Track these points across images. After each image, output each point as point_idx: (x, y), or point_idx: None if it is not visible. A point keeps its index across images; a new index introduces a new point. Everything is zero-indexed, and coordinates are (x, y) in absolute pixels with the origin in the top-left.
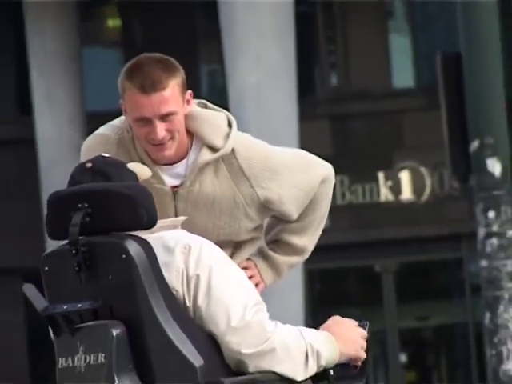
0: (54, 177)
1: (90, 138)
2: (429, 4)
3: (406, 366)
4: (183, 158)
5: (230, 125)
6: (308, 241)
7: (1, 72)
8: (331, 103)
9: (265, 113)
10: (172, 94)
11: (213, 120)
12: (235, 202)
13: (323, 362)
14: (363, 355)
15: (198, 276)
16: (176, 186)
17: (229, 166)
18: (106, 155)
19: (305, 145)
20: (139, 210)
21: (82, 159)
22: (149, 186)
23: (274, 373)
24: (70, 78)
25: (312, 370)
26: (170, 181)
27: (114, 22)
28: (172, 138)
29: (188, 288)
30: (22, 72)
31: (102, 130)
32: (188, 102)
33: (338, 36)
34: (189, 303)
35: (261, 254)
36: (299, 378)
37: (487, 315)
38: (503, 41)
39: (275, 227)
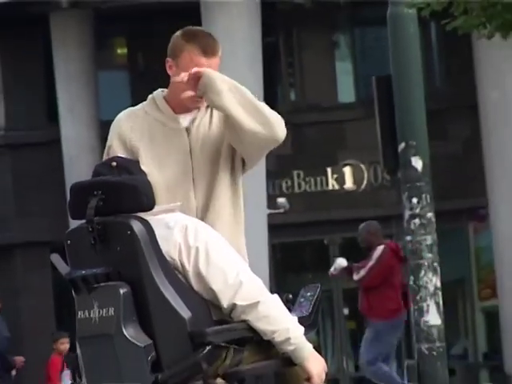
0: (75, 170)
1: (117, 116)
2: (366, 35)
3: (347, 317)
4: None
5: None
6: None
7: (33, 89)
8: (290, 114)
9: None
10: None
11: None
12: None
13: (293, 347)
14: (317, 381)
15: (197, 248)
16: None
17: None
18: (122, 156)
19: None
20: (141, 197)
21: (111, 132)
22: (166, 130)
23: (249, 325)
24: (88, 93)
25: (280, 344)
26: (185, 123)
27: (122, 51)
28: None
29: (188, 256)
30: (50, 89)
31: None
32: None
33: (295, 61)
34: (188, 267)
35: None
36: (266, 337)
37: (411, 278)
38: (425, 63)
39: None
